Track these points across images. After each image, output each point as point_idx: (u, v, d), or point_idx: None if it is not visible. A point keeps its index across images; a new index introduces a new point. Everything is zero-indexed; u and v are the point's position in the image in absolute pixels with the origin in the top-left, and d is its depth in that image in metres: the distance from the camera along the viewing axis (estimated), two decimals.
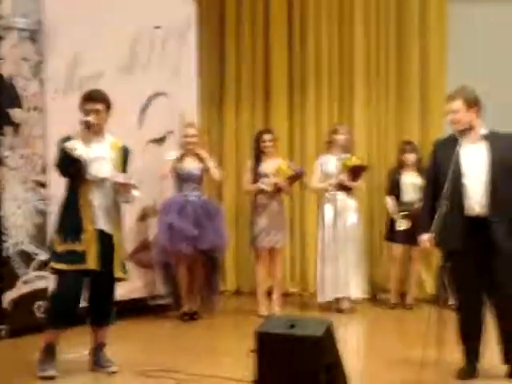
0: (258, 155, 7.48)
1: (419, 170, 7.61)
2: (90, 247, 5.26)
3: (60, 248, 5.26)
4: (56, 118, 6.53)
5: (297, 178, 7.50)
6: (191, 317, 7.24)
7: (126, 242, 6.08)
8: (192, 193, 7.23)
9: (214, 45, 8.68)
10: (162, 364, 5.54)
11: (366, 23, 8.44)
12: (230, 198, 8.58)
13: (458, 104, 4.94)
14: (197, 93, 7.95)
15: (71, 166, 5.20)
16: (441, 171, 4.96)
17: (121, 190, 5.31)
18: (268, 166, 7.43)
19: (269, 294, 7.59)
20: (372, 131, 8.47)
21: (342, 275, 7.49)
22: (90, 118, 5.23)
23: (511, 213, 4.90)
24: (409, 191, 7.71)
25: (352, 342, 6.77)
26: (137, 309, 7.29)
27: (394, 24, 8.41)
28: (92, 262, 5.26)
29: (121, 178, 5.30)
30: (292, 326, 4.64)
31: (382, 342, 6.51)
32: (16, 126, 6.52)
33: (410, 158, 7.76)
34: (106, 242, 5.32)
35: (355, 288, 7.54)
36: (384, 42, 8.45)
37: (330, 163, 7.62)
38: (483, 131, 5.00)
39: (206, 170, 7.30)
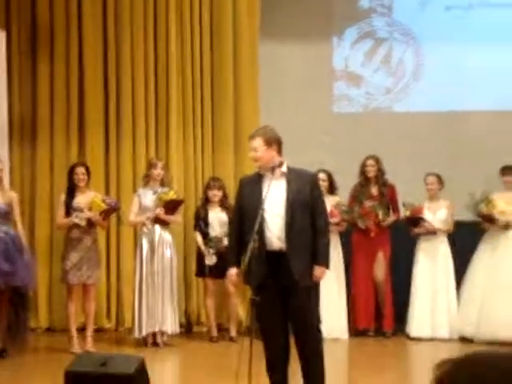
0: (71, 189, 7.37)
1: (224, 205, 7.82)
2: None
3: None
4: None
5: (111, 211, 7.44)
6: None
7: None
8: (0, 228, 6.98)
9: (26, 77, 8.43)
10: None
11: (180, 67, 8.48)
12: (44, 232, 8.31)
13: (258, 142, 5.09)
14: (6, 125, 7.73)
15: None
16: (246, 207, 5.09)
17: None
18: (81, 199, 7.32)
19: (83, 330, 7.43)
20: (188, 167, 8.52)
21: (159, 309, 7.46)
22: None
23: (307, 247, 5.04)
24: (215, 226, 7.84)
25: (167, 378, 6.73)
26: None
27: (209, 66, 8.51)
28: None
29: None
30: (103, 364, 4.56)
31: (196, 375, 6.52)
32: None
33: (216, 194, 7.88)
34: None
35: (171, 322, 7.52)
36: (199, 84, 8.51)
37: (148, 197, 7.61)
38: (284, 168, 5.14)
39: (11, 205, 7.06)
